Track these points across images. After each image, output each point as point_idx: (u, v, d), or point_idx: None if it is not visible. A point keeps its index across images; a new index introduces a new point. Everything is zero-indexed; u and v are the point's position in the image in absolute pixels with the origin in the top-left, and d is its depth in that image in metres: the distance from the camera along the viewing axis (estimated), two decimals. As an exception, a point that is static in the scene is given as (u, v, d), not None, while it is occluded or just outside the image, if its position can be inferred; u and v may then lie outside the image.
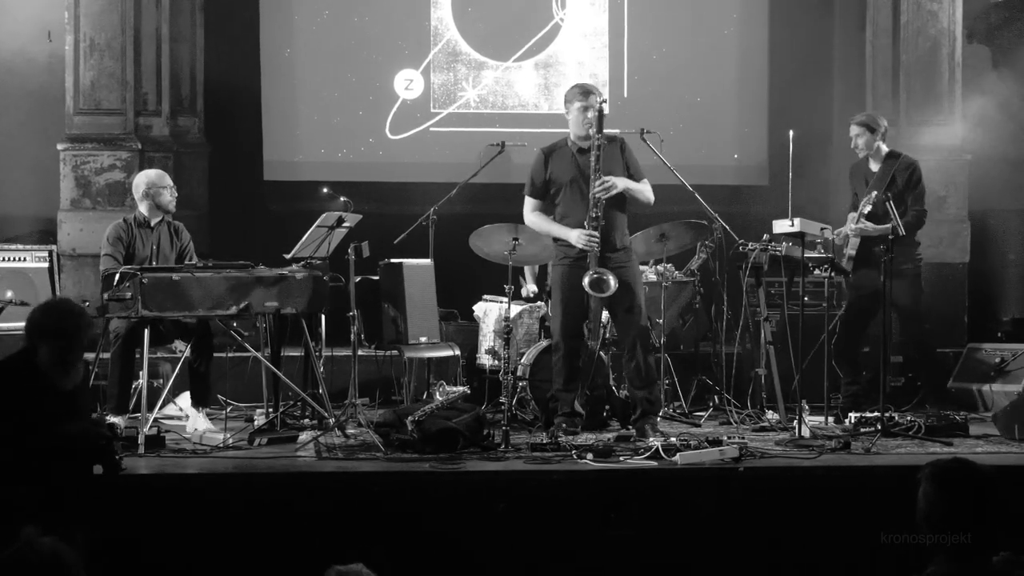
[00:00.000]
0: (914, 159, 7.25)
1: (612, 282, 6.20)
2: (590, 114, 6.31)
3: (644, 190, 6.48)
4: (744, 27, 9.59)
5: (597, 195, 6.23)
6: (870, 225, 6.95)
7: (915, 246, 7.16)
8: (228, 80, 9.05)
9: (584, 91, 6.42)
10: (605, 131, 6.33)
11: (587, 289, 6.22)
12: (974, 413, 7.10)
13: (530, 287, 8.04)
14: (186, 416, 6.65)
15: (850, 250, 7.07)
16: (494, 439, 5.84)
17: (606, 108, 6.35)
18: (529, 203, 6.56)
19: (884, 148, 7.21)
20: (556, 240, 6.46)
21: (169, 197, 6.85)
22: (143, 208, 6.85)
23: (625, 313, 6.38)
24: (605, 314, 6.76)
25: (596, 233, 6.24)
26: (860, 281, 7.13)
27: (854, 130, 7.22)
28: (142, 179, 6.93)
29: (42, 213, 8.91)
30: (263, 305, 6.16)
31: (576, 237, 6.28)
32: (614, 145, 6.45)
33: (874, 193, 6.87)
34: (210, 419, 6.50)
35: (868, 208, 6.91)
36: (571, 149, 6.48)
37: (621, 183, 6.32)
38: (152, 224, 6.85)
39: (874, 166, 7.22)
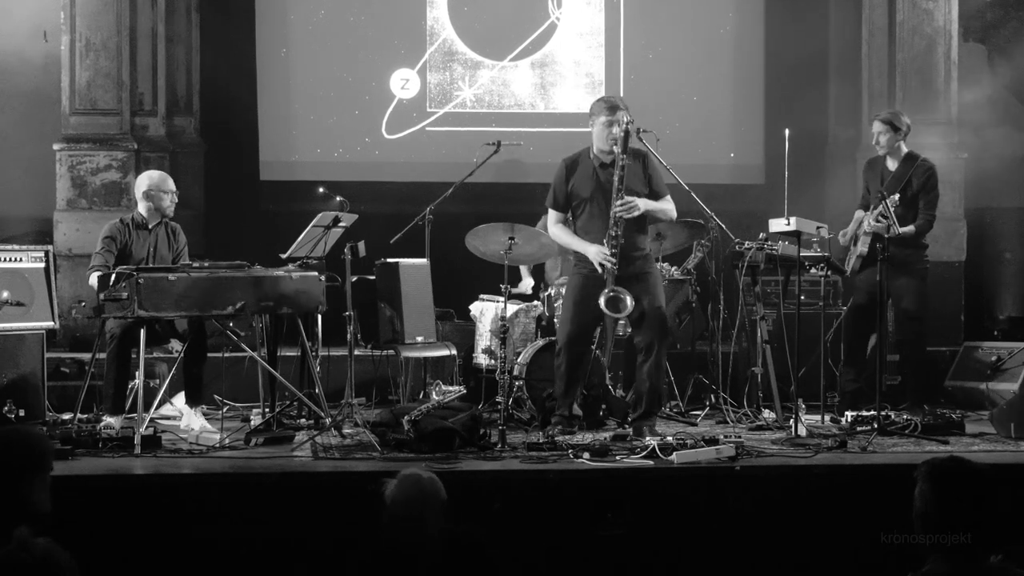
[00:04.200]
0: (933, 163, 7.17)
1: (628, 301, 6.12)
2: (615, 130, 6.19)
3: (667, 209, 6.41)
4: (740, 26, 9.58)
5: (618, 214, 6.16)
6: (900, 229, 6.82)
7: (924, 248, 7.12)
8: (224, 80, 9.05)
9: (611, 106, 6.30)
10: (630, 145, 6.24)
11: (603, 308, 6.14)
12: (973, 412, 7.06)
13: (527, 282, 8.01)
14: (181, 415, 6.65)
15: (861, 247, 6.99)
16: (490, 438, 5.83)
17: (633, 128, 6.25)
18: (552, 216, 6.49)
19: (904, 148, 7.14)
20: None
21: (168, 202, 6.82)
22: (142, 208, 6.83)
23: (639, 318, 6.31)
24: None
25: (614, 253, 6.18)
26: (869, 279, 7.06)
27: (877, 127, 7.13)
28: (144, 180, 6.89)
29: (38, 213, 8.90)
30: (259, 305, 6.15)
31: (594, 254, 6.21)
32: (637, 161, 6.34)
33: (896, 196, 6.77)
34: (206, 419, 6.49)
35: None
36: (593, 163, 6.37)
37: (643, 204, 6.22)
38: (150, 226, 6.83)
39: (891, 164, 7.15)
